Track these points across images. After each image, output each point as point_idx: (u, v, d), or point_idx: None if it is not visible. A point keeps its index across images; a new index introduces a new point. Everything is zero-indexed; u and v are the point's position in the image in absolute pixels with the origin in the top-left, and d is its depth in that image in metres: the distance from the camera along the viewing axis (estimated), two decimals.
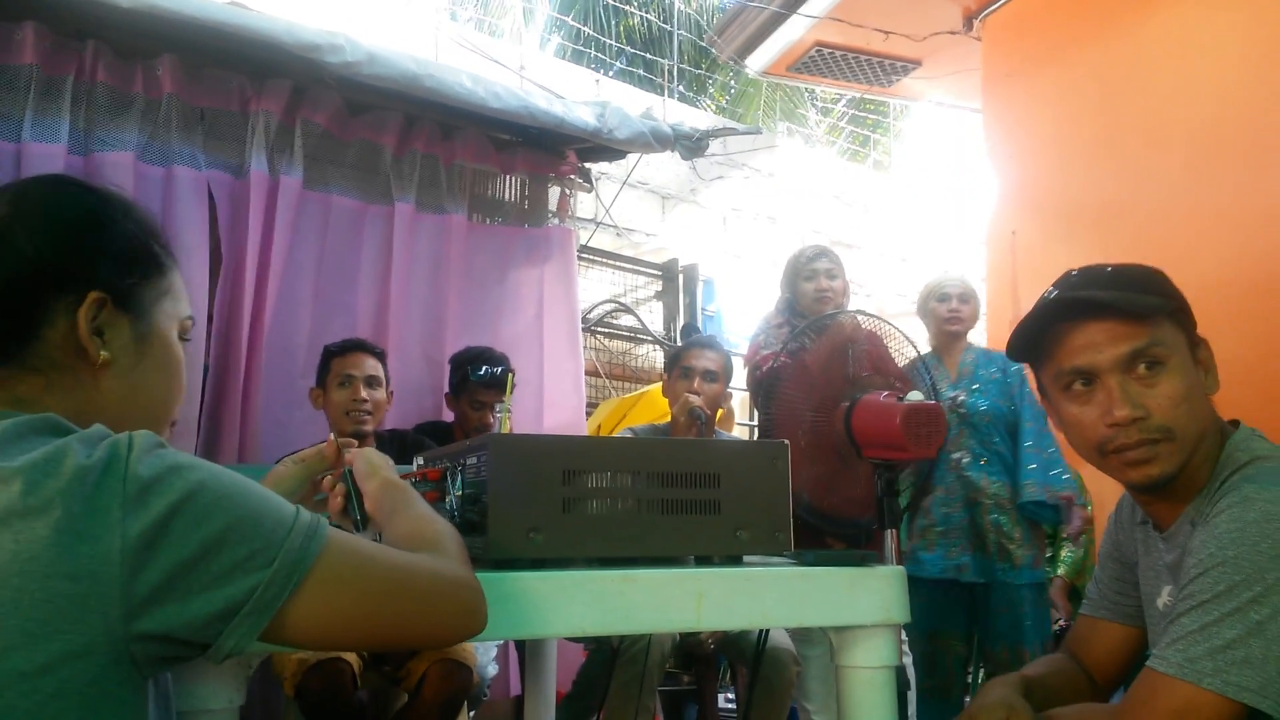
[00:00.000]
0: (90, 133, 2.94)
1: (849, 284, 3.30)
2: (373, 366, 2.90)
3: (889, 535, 1.95)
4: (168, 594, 0.75)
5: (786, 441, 1.26)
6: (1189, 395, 1.20)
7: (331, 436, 1.27)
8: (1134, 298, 1.21)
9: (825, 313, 3.14)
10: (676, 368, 3.14)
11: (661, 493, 1.17)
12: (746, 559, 1.25)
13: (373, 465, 1.13)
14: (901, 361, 2.10)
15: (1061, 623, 3.54)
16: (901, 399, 1.87)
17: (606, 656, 2.94)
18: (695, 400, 2.96)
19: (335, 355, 2.92)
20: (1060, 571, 3.68)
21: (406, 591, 0.86)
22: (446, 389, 3.34)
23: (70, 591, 0.72)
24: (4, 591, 0.71)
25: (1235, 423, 1.27)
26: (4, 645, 0.70)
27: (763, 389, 3.16)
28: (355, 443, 1.25)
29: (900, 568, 1.23)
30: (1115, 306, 1.20)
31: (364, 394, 2.84)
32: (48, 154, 2.81)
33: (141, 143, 3.01)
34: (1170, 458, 1.20)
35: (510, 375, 1.81)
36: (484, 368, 3.14)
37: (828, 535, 2.72)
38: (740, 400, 4.91)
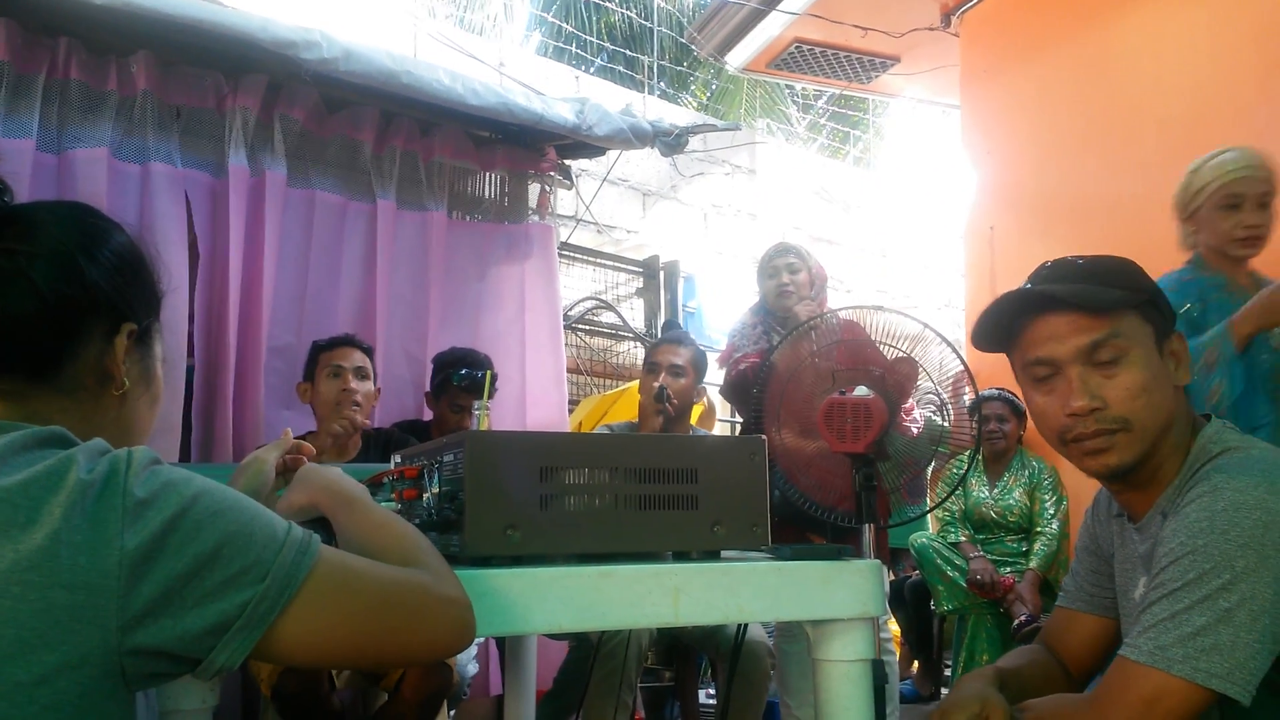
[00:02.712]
0: (63, 130, 2.92)
1: (820, 276, 3.29)
2: (361, 359, 2.92)
3: (866, 529, 1.96)
4: (163, 608, 0.76)
5: (764, 437, 1.26)
6: (1149, 387, 1.22)
7: (288, 430, 1.27)
8: (1093, 291, 1.23)
9: (788, 307, 3.17)
10: (646, 364, 3.21)
11: (639, 488, 1.17)
12: (724, 554, 1.25)
13: (314, 474, 1.08)
14: (893, 354, 2.10)
15: (1024, 617, 3.56)
16: (843, 392, 1.88)
17: (587, 654, 2.95)
18: (660, 383, 3.02)
19: (323, 350, 2.92)
20: (1033, 565, 3.70)
21: (397, 608, 0.86)
22: (428, 388, 3.33)
23: (68, 603, 0.73)
24: (3, 601, 0.71)
25: (1209, 415, 1.29)
26: (2, 655, 0.71)
27: (736, 389, 3.19)
28: (312, 450, 1.25)
29: (877, 561, 1.23)
30: (1071, 301, 1.22)
31: (354, 385, 2.85)
32: (16, 150, 2.78)
33: (116, 140, 2.99)
34: (1128, 448, 1.22)
35: (492, 377, 1.81)
36: (465, 370, 3.14)
37: (810, 532, 2.73)
38: (719, 398, 4.91)
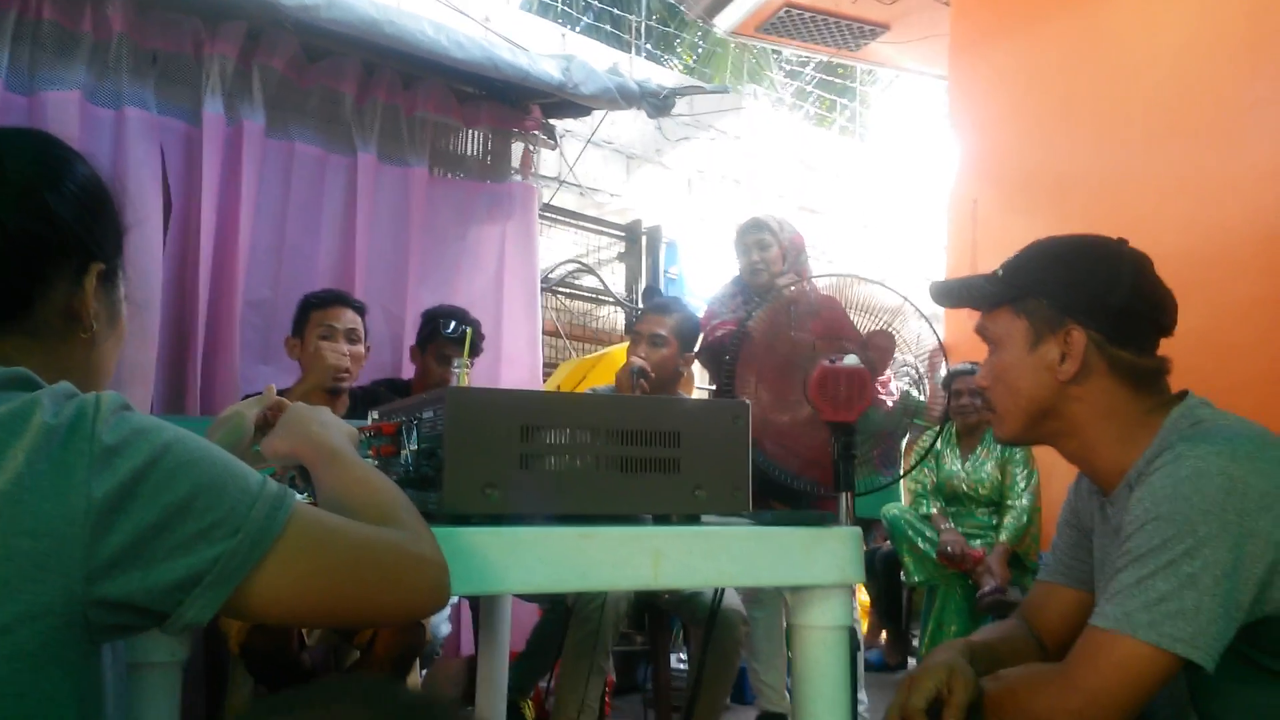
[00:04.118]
0: (35, 71, 2.84)
1: (796, 245, 3.27)
2: (352, 320, 2.88)
3: (844, 497, 1.96)
4: (131, 560, 0.73)
5: (748, 401, 1.25)
6: (1003, 375, 1.35)
7: (271, 386, 1.25)
8: (960, 289, 1.43)
9: (763, 284, 3.15)
10: (630, 333, 3.18)
11: (621, 450, 1.15)
12: (704, 518, 1.24)
13: (299, 421, 1.07)
14: (872, 326, 2.09)
15: (991, 585, 3.59)
16: (834, 361, 1.87)
17: (560, 616, 2.95)
18: (637, 361, 2.98)
19: (315, 307, 2.86)
20: (1003, 538, 3.74)
21: (371, 567, 0.84)
22: (413, 342, 3.31)
23: (31, 550, 0.70)
24: None
25: (1184, 393, 1.30)
26: None
27: (711, 355, 3.18)
28: (286, 402, 1.22)
29: (856, 528, 1.23)
30: (946, 299, 1.47)
31: (345, 348, 2.80)
32: None
33: (90, 83, 2.91)
34: (999, 425, 1.38)
35: (471, 333, 1.79)
36: (455, 323, 3.13)
37: (773, 499, 2.73)
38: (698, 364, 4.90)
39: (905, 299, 2.18)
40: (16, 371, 0.79)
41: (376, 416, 1.39)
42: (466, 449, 1.07)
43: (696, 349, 3.29)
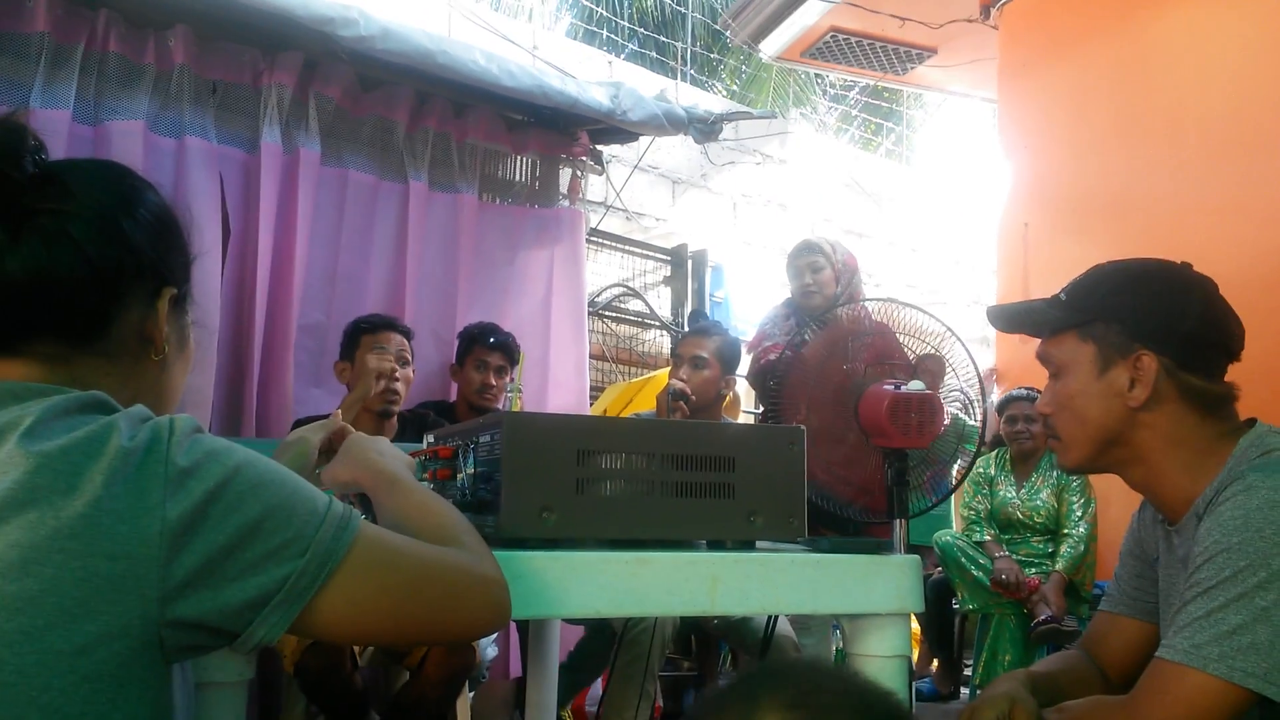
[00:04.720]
0: (100, 102, 2.92)
1: (849, 267, 3.25)
2: (400, 344, 2.93)
3: (898, 524, 1.94)
4: (203, 580, 0.75)
5: (803, 427, 1.25)
6: (1070, 402, 1.31)
7: (337, 411, 1.27)
8: (1021, 315, 1.39)
9: (815, 307, 3.14)
10: (672, 356, 3.20)
11: (675, 475, 1.15)
12: (759, 545, 1.24)
13: (358, 449, 1.10)
14: (920, 350, 2.08)
15: (1046, 615, 3.52)
16: (898, 388, 1.86)
17: (606, 637, 2.94)
18: (676, 384, 2.98)
19: (365, 331, 2.92)
20: (1059, 567, 3.66)
21: (435, 585, 0.86)
22: (453, 361, 3.34)
23: (108, 572, 0.72)
24: (45, 569, 0.70)
25: (1252, 421, 1.27)
26: (43, 624, 0.70)
27: (762, 379, 3.16)
28: (349, 428, 1.25)
29: (915, 557, 1.21)
30: (1007, 326, 1.43)
31: (396, 371, 2.85)
32: (53, 120, 2.78)
33: (153, 113, 2.99)
34: (1064, 453, 1.34)
35: (519, 354, 1.81)
36: (494, 337, 3.18)
37: (821, 525, 2.71)
38: (746, 386, 4.88)
39: (948, 328, 2.17)
40: (94, 395, 0.82)
41: (432, 440, 1.41)
42: (523, 473, 1.08)
43: (747, 370, 3.28)
